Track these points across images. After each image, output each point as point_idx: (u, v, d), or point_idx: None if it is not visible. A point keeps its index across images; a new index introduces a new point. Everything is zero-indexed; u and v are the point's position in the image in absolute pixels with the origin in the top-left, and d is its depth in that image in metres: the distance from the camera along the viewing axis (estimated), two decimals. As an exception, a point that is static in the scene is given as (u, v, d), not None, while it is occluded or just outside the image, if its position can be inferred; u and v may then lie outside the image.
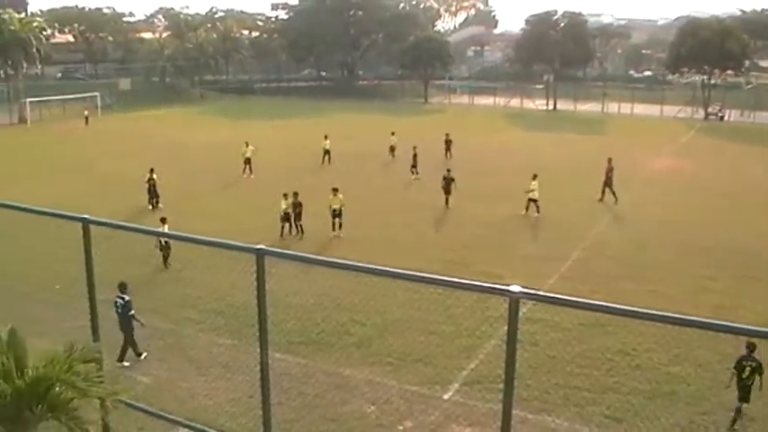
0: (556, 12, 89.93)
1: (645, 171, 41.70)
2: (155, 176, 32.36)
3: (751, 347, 12.79)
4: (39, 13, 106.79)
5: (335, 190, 27.89)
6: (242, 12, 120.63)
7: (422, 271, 8.43)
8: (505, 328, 7.00)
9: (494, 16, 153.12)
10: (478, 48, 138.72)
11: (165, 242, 22.34)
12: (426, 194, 33.30)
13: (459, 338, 15.52)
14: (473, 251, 25.46)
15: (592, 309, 7.51)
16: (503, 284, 6.90)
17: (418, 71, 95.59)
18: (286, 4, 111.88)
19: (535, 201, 30.43)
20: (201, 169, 38.74)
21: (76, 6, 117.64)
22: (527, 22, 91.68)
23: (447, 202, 32.03)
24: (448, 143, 47.14)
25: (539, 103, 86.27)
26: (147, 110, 78.00)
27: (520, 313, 6.88)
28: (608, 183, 33.45)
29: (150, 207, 31.61)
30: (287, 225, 27.51)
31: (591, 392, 14.39)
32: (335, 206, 27.44)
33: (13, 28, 68.87)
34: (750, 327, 6.18)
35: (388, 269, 8.19)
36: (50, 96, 73.03)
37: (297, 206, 27.75)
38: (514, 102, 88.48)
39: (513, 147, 51.21)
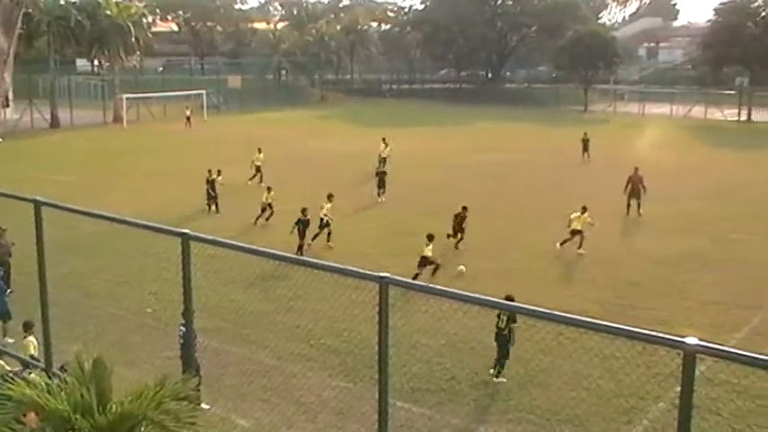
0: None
1: None
2: (219, 178, 34.61)
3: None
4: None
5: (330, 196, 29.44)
6: (370, 0, 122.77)
7: (575, 312, 8.25)
8: (677, 389, 6.74)
9: (674, 5, 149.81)
10: (652, 44, 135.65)
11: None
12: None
13: (619, 398, 15.04)
14: (640, 291, 24.71)
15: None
16: (676, 335, 6.65)
17: (577, 73, 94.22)
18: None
19: (580, 232, 28.90)
20: (319, 183, 39.35)
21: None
22: (716, 11, 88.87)
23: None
24: (585, 143, 51.86)
25: (728, 113, 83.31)
26: (260, 112, 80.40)
27: (697, 372, 6.60)
28: (635, 194, 33.60)
29: (208, 209, 34.28)
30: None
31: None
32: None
33: (109, 13, 71.01)
34: None
35: (535, 308, 8.01)
36: (150, 93, 76.02)
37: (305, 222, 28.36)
38: (696, 111, 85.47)
39: (695, 166, 49.58)
